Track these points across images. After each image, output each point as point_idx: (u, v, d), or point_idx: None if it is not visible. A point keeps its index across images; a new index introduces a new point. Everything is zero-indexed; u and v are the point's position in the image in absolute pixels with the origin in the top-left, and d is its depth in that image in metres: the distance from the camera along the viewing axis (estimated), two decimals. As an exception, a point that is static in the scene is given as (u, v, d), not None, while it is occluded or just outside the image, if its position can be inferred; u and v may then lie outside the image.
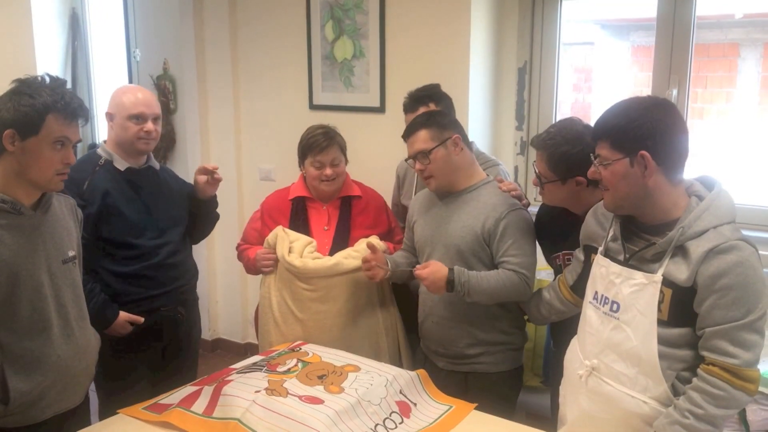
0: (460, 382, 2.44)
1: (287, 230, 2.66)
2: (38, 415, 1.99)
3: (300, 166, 2.77)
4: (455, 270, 2.27)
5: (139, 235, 2.50)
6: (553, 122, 3.36)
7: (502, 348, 2.44)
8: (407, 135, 2.42)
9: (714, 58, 4.16)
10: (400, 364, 2.56)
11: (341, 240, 2.67)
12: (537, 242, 2.52)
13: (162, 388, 2.29)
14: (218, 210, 4.24)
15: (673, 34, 3.02)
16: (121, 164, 2.52)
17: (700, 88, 4.09)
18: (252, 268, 2.75)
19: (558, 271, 2.39)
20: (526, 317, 2.47)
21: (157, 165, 2.64)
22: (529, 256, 2.32)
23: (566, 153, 2.14)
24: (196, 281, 2.79)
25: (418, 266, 2.33)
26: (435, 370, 2.48)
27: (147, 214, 2.54)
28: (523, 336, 2.52)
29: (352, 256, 2.57)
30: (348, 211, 2.74)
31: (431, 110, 2.53)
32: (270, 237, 2.66)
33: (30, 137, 1.87)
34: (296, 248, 2.60)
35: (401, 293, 2.79)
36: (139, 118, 2.48)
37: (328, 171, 2.66)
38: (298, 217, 2.73)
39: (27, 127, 1.86)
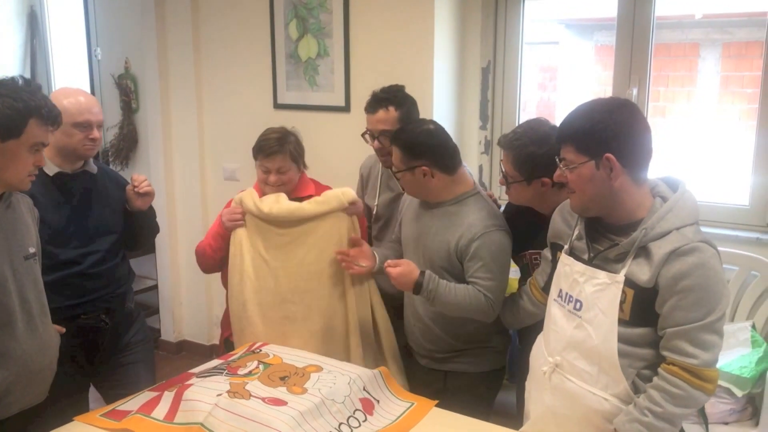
0: (440, 379, 2.44)
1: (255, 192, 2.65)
2: (4, 412, 1.98)
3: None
4: (426, 275, 2.26)
5: (63, 243, 2.40)
6: (517, 121, 3.41)
7: (483, 349, 2.44)
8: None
9: (675, 57, 4.23)
10: (375, 334, 2.53)
11: None
12: None
13: (103, 399, 2.23)
14: (182, 210, 4.25)
15: (633, 34, 3.06)
16: (50, 169, 2.39)
17: (662, 86, 4.16)
18: (214, 240, 2.67)
19: (524, 269, 2.41)
20: None
21: (94, 169, 2.53)
22: (497, 280, 2.28)
23: (532, 154, 2.15)
24: (127, 289, 2.65)
25: (389, 262, 2.31)
26: (416, 367, 2.50)
27: (75, 221, 2.43)
28: (505, 338, 2.52)
29: (317, 201, 2.53)
30: None
31: (409, 127, 2.41)
32: (238, 196, 2.64)
33: (10, 140, 1.88)
34: (266, 200, 2.58)
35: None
36: (85, 125, 2.38)
37: (272, 178, 2.63)
38: None
39: (9, 130, 1.87)
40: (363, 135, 2.77)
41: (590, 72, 4.72)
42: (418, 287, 2.26)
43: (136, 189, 2.52)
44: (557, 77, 4.84)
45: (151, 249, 4.34)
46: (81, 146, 2.40)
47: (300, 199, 2.68)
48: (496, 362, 2.47)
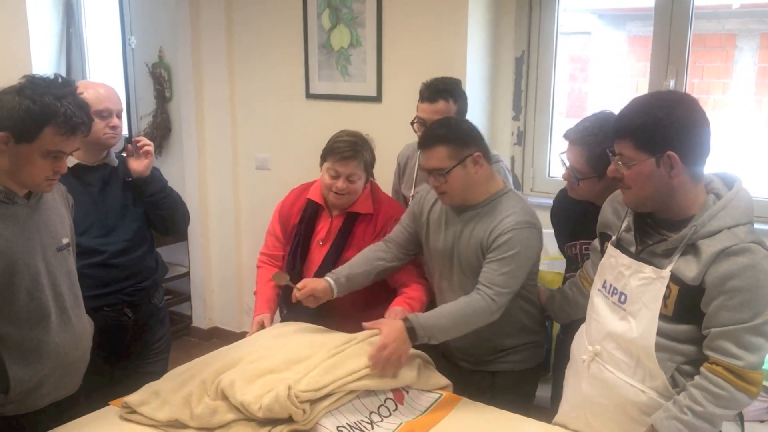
0: (485, 380, 2.39)
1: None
2: (37, 403, 1.99)
3: (321, 166, 2.55)
4: (411, 320, 2.09)
5: (82, 232, 2.39)
6: (551, 113, 3.38)
7: (528, 345, 2.39)
8: (424, 146, 2.24)
9: (711, 48, 4.15)
10: None
11: (332, 259, 2.47)
12: (553, 231, 2.49)
13: (117, 393, 2.13)
14: (214, 198, 4.29)
15: (671, 24, 3.02)
16: (69, 161, 2.32)
17: (697, 78, 4.08)
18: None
19: (572, 260, 2.37)
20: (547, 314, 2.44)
21: (115, 162, 2.54)
22: (508, 276, 2.14)
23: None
24: (153, 284, 2.63)
25: (371, 354, 2.04)
26: (456, 371, 2.39)
27: (95, 211, 2.44)
28: (545, 333, 2.50)
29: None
30: (350, 226, 2.52)
31: (451, 121, 2.30)
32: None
33: (23, 143, 1.84)
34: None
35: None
36: (105, 114, 2.41)
37: (340, 184, 2.44)
38: (305, 221, 2.57)
39: (22, 134, 1.82)
40: (412, 123, 2.72)
41: (623, 63, 4.65)
42: (412, 335, 2.07)
43: (138, 144, 2.49)
44: (588, 68, 4.78)
45: (183, 237, 4.40)
46: (102, 135, 2.42)
47: (354, 215, 2.55)
48: (539, 357, 2.45)
